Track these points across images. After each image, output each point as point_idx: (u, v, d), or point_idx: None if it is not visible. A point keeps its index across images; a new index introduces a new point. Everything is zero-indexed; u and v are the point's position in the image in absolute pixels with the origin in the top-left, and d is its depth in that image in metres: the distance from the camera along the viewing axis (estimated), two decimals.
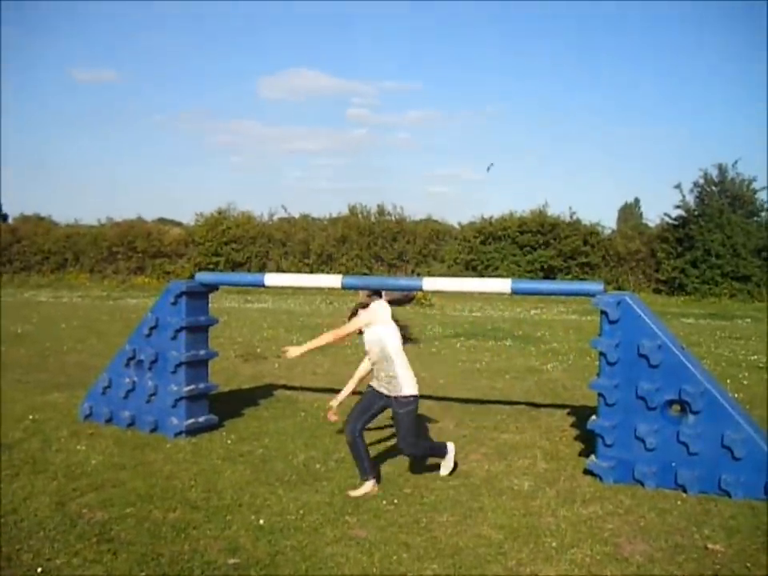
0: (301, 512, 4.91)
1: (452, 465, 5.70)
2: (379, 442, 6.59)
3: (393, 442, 6.47)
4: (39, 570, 4.02)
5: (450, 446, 5.71)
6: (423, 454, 5.75)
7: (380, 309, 5.53)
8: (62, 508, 4.96)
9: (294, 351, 5.53)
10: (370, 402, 5.51)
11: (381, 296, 5.73)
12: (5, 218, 43.75)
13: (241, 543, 4.40)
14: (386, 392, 5.40)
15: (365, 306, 5.60)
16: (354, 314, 5.65)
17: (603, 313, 5.58)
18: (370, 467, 5.38)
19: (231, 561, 4.16)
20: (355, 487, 5.32)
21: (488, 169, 28.75)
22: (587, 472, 5.67)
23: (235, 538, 4.47)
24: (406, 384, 5.36)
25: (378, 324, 5.46)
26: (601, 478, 5.54)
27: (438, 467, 5.81)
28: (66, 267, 32.65)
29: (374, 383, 5.53)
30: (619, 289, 25.21)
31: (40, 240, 32.97)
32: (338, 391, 6.07)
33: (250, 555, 4.23)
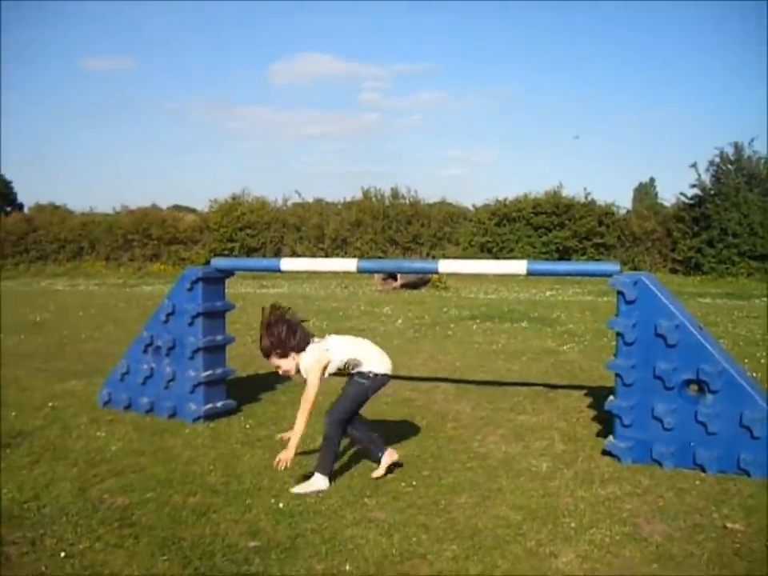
0: (320, 495, 4.94)
1: (308, 490, 5.02)
2: (391, 425, 6.60)
3: (404, 428, 6.51)
4: (62, 554, 4.07)
5: (325, 482, 5.11)
6: (331, 443, 5.19)
7: (313, 353, 5.18)
8: (84, 494, 5.01)
9: (287, 454, 4.97)
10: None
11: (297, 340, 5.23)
12: (20, 207, 43.99)
13: (261, 526, 4.43)
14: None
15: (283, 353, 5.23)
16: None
17: (620, 293, 5.56)
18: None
19: (252, 544, 4.19)
20: (373, 469, 5.33)
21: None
22: (605, 452, 5.66)
23: (255, 522, 4.50)
24: (368, 364, 5.27)
25: (323, 359, 5.15)
26: (619, 459, 5.54)
27: (457, 449, 5.84)
28: (81, 255, 32.82)
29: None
30: (635, 269, 25.11)
31: (56, 229, 33.14)
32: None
33: (270, 538, 4.26)
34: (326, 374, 5.19)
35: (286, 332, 5.14)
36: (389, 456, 5.29)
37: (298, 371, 5.20)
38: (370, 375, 5.24)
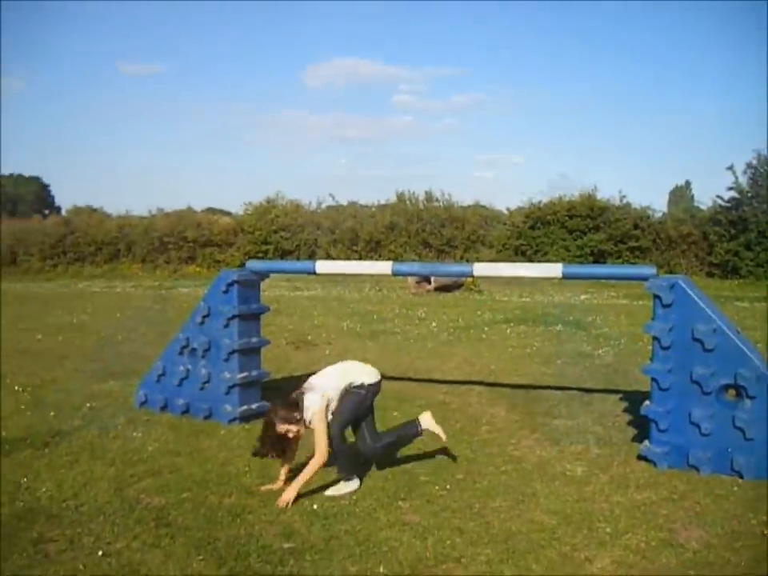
0: (354, 497, 4.96)
1: (340, 492, 5.10)
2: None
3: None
4: (100, 552, 4.13)
5: (356, 482, 5.23)
6: (342, 455, 5.25)
7: (314, 402, 5.12)
8: (121, 493, 5.07)
9: (289, 495, 4.90)
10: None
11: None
12: (58, 210, 44.59)
13: (295, 528, 4.46)
14: None
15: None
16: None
17: (656, 297, 5.52)
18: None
19: (286, 545, 4.22)
20: (408, 471, 5.33)
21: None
22: (641, 457, 5.62)
23: (290, 523, 4.53)
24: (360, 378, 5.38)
25: (325, 400, 5.16)
26: (655, 464, 5.49)
27: (492, 453, 5.85)
28: (118, 258, 33.16)
29: None
30: (671, 272, 24.81)
31: (93, 231, 33.50)
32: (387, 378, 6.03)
33: (304, 539, 4.29)
34: (330, 413, 5.19)
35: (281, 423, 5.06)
36: (425, 420, 5.50)
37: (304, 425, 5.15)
38: (364, 385, 5.34)
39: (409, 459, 5.69)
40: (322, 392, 5.16)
